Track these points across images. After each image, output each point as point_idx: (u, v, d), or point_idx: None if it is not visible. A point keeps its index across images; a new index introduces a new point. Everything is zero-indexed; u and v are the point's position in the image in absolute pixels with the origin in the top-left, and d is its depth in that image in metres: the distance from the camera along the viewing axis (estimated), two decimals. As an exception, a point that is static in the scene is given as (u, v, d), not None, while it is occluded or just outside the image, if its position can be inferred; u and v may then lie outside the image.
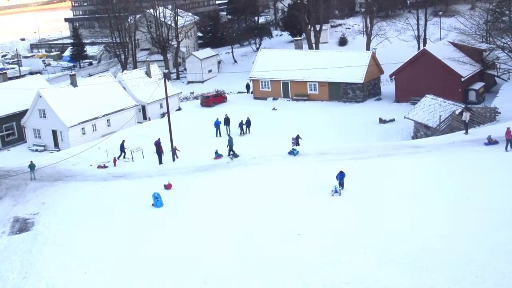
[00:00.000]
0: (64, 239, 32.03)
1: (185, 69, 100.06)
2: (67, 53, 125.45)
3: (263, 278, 24.65)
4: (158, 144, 48.75)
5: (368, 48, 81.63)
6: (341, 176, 33.68)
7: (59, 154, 54.93)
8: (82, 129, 60.34)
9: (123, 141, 50.94)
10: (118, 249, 29.62)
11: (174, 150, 47.88)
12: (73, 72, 69.33)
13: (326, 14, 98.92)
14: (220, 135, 55.41)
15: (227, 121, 57.75)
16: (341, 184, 33.72)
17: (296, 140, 47.57)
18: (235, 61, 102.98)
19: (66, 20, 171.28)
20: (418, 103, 52.49)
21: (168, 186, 38.94)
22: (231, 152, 45.07)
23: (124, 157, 50.23)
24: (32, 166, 44.64)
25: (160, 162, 47.77)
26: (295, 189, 35.07)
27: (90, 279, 26.72)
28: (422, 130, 50.24)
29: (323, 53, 75.96)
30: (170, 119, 48.32)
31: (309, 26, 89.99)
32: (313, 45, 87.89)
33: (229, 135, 49.15)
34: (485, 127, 46.12)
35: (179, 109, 70.53)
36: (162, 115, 68.28)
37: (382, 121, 57.66)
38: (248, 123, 57.32)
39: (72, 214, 35.98)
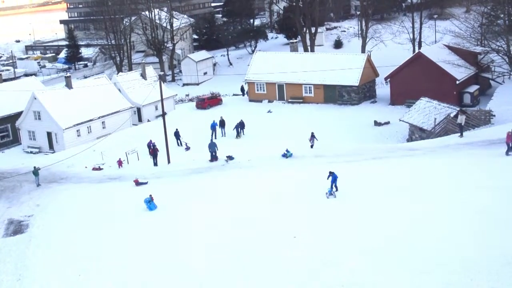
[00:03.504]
0: (58, 241, 31.98)
1: (180, 71, 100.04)
2: (62, 55, 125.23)
3: (259, 281, 24.63)
4: (152, 146, 48.87)
5: (363, 51, 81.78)
6: (333, 178, 33.57)
7: (54, 156, 54.80)
8: (77, 131, 60.16)
9: (177, 129, 53.50)
10: (112, 251, 29.55)
11: (188, 147, 52.75)
12: (68, 74, 69.08)
13: (322, 16, 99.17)
14: (216, 137, 55.38)
15: (222, 124, 57.82)
16: (335, 186, 33.63)
17: (312, 139, 47.76)
18: (231, 64, 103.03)
19: (61, 22, 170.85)
20: (413, 106, 52.62)
21: (135, 181, 40.45)
22: (213, 155, 45.21)
23: (179, 144, 53.14)
24: (36, 172, 43.82)
25: (155, 164, 47.78)
26: (291, 191, 35.06)
27: (85, 281, 26.63)
28: (417, 133, 50.35)
29: (318, 55, 76.06)
30: (165, 121, 48.28)
31: (304, 29, 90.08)
32: (309, 47, 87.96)
33: (211, 140, 49.27)
34: (480, 130, 46.25)
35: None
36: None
37: (377, 123, 57.77)
38: (242, 125, 57.30)
39: (66, 216, 35.91)
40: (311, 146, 47.91)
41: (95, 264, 28.23)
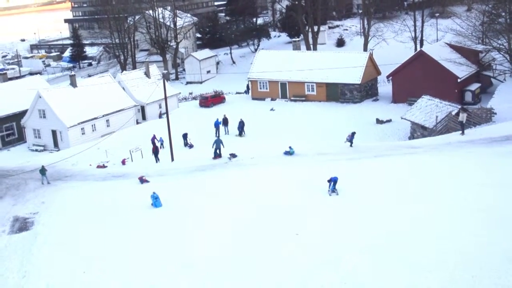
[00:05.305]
0: (63, 238, 32.06)
1: (184, 69, 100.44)
2: (67, 53, 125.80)
3: (261, 278, 24.75)
4: (161, 143, 49.49)
5: (365, 49, 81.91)
6: (333, 180, 33.78)
7: (58, 154, 55.21)
8: (81, 129, 60.71)
9: (186, 133, 54.21)
10: (117, 248, 29.63)
11: (191, 145, 53.21)
12: (73, 73, 69.60)
13: (324, 15, 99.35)
14: (219, 136, 55.75)
15: (225, 122, 58.20)
16: (335, 188, 33.79)
17: (351, 137, 45.58)
18: (234, 62, 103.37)
19: (66, 21, 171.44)
20: (415, 104, 52.86)
21: (140, 178, 40.74)
22: (217, 152, 45.38)
23: (185, 145, 53.44)
24: (43, 171, 43.79)
25: (157, 160, 48.18)
26: (293, 189, 35.15)
27: (90, 278, 26.71)
28: (418, 131, 50.56)
29: (321, 54, 76.29)
30: (169, 119, 48.65)
31: (307, 27, 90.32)
32: (311, 46, 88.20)
33: (218, 137, 49.64)
34: (481, 127, 46.41)
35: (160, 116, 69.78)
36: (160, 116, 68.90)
37: (379, 121, 58.01)
38: (242, 124, 57.51)
39: (71, 214, 36.01)
40: (351, 145, 45.41)
41: (99, 261, 28.30)
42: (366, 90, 69.64)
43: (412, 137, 51.44)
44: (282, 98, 72.17)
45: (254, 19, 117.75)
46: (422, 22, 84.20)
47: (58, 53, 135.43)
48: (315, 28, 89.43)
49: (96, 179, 44.23)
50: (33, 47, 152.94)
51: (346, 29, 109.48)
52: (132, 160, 50.00)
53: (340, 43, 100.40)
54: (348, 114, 62.96)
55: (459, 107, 48.47)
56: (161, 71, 73.38)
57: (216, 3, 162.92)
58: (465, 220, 27.99)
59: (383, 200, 31.80)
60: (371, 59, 70.51)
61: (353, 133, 45.44)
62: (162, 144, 52.81)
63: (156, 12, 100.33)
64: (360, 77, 67.56)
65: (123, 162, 49.03)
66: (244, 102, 73.53)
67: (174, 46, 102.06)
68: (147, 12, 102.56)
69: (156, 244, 29.57)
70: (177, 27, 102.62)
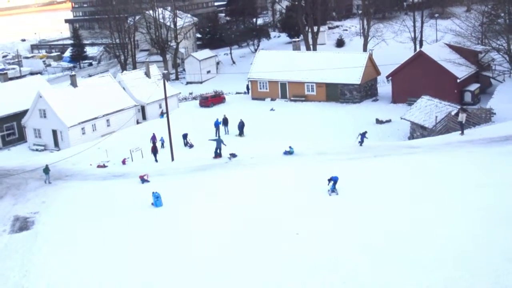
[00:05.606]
0: (64, 237, 32.17)
1: (184, 69, 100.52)
2: (67, 53, 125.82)
3: (261, 278, 24.79)
4: (161, 142, 49.68)
5: (365, 50, 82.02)
6: (334, 180, 33.88)
7: (59, 153, 55.31)
8: (82, 129, 60.78)
9: (186, 133, 54.44)
10: (117, 248, 29.72)
11: (191, 145, 53.33)
12: (73, 73, 69.70)
13: (324, 15, 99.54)
14: (219, 136, 55.84)
15: (225, 122, 58.33)
16: (335, 188, 33.87)
17: (363, 136, 45.34)
18: (234, 62, 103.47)
19: (67, 21, 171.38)
20: (415, 104, 53.00)
21: (141, 177, 40.78)
22: (218, 152, 45.48)
23: (185, 145, 53.61)
24: (47, 171, 43.87)
25: (156, 160, 48.33)
26: (293, 189, 35.24)
27: (90, 277, 26.79)
28: (418, 131, 50.68)
29: (320, 54, 76.38)
30: (169, 119, 48.79)
31: (306, 28, 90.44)
32: (311, 46, 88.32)
33: (218, 137, 49.65)
34: (481, 128, 46.53)
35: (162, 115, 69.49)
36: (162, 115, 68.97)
37: (378, 121, 58.10)
38: (242, 124, 57.65)
39: (72, 213, 36.16)
40: (360, 144, 45.29)
41: (100, 261, 28.42)
42: (365, 90, 69.77)
43: (411, 137, 51.56)
44: (282, 98, 72.29)
45: (254, 20, 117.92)
46: (422, 23, 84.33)
47: (59, 53, 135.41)
48: (315, 28, 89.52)
49: (96, 179, 44.37)
50: (33, 47, 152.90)
51: (346, 30, 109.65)
52: (132, 160, 50.14)
53: (340, 43, 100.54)
54: (348, 114, 63.07)
55: (459, 107, 48.60)
56: (161, 71, 73.48)
57: (216, 3, 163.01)
58: (465, 220, 28.01)
59: (382, 200, 31.83)
60: (370, 59, 70.65)
61: (364, 133, 45.43)
62: (162, 144, 52.97)
63: (156, 13, 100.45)
64: (360, 77, 67.68)
65: (123, 162, 49.20)
66: (244, 102, 73.66)
67: (174, 46, 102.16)
68: (147, 12, 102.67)
69: (156, 244, 29.62)
70: (177, 27, 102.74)
